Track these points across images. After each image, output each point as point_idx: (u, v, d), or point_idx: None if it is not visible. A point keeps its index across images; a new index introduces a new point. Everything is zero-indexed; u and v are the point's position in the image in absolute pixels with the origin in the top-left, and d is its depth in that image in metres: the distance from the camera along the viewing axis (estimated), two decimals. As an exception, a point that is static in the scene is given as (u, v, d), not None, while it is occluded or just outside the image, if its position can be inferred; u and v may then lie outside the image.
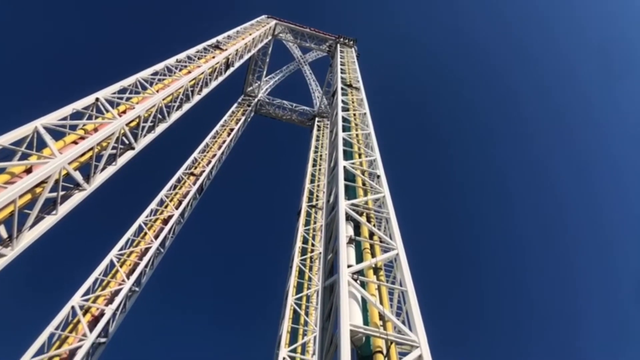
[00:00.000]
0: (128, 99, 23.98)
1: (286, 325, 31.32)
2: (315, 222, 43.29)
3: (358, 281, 14.03)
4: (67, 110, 20.45)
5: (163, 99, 26.31)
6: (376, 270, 15.45)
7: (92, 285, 28.79)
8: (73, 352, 24.57)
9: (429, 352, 11.69)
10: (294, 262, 37.60)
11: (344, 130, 25.99)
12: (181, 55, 31.55)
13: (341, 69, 40.53)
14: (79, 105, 21.11)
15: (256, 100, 60.95)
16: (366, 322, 13.03)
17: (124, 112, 22.99)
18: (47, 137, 18.39)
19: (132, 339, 70.48)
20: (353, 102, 32.14)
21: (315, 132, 58.93)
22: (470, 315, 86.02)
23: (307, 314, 33.12)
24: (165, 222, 35.65)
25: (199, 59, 33.22)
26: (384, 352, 12.01)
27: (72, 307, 26.78)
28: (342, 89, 33.84)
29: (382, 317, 13.16)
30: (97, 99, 22.04)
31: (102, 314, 27.18)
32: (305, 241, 40.68)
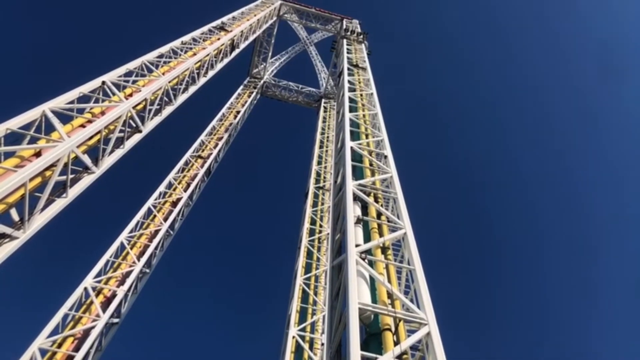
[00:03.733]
0: (134, 82, 23.97)
1: (295, 304, 31.68)
2: (322, 204, 43.41)
3: (366, 260, 14.10)
4: (74, 93, 20.50)
5: (169, 82, 26.26)
6: (384, 249, 15.51)
7: (104, 267, 29.24)
8: (87, 332, 25.09)
9: (437, 329, 11.79)
10: (302, 243, 37.84)
11: (350, 111, 25.84)
12: (186, 37, 31.36)
13: (347, 49, 40.11)
14: (85, 88, 21.14)
15: (262, 82, 60.64)
16: (374, 300, 13.14)
17: (131, 95, 23.01)
18: (55, 121, 18.49)
19: (144, 319, 71.66)
20: (360, 83, 31.90)
21: (321, 113, 58.67)
22: (477, 295, 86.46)
23: (315, 293, 33.45)
24: (174, 204, 35.93)
25: (204, 40, 33.00)
26: (393, 329, 12.13)
27: (85, 289, 27.25)
28: (348, 69, 33.55)
29: (390, 295, 13.25)
30: (103, 82, 22.05)
31: (114, 295, 27.65)
32: (313, 222, 40.87)
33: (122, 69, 23.89)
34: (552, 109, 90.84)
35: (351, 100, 27.87)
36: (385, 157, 21.26)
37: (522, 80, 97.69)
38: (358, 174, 19.94)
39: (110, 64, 23.72)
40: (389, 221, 16.46)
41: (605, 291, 70.44)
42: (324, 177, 47.29)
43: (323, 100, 61.13)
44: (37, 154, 17.00)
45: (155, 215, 34.37)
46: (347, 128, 23.08)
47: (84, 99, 20.88)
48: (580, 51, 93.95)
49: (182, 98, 28.79)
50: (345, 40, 41.89)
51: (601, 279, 72.84)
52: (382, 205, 17.63)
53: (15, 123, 17.24)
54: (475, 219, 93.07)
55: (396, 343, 11.59)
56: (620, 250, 72.90)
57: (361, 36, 41.63)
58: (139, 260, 30.27)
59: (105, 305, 26.89)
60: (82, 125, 19.51)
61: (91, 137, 19.75)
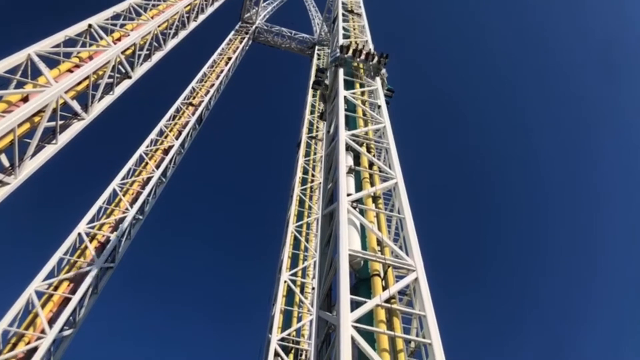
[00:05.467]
0: (122, 25, 23.27)
1: (287, 251, 32.37)
2: (315, 153, 43.46)
3: (357, 209, 14.34)
4: (60, 37, 19.92)
5: (158, 26, 25.54)
6: (375, 198, 15.72)
7: (97, 213, 29.46)
8: (82, 276, 25.62)
9: (424, 275, 12.17)
10: (295, 191, 38.17)
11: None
12: (175, -22, 30.11)
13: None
14: (71, 31, 20.53)
15: (254, 27, 58.96)
16: (364, 247, 13.45)
17: (119, 39, 22.41)
18: (42, 65, 18.08)
19: (138, 264, 73.04)
20: (354, 29, 31.07)
21: (315, 61, 57.48)
22: (466, 245, 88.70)
23: (307, 240, 34.12)
24: (166, 152, 35.82)
25: (193, -18, 31.75)
26: (381, 275, 12.53)
27: (79, 234, 27.57)
28: (342, 15, 32.57)
29: (380, 242, 13.58)
30: (90, 26, 21.40)
31: (108, 241, 28.04)
32: (305, 172, 41.06)
33: (109, 12, 23.11)
34: (552, 109, 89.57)
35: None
36: (379, 107, 21.12)
37: (522, 78, 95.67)
38: (351, 124, 19.87)
39: (97, 6, 22.92)
40: (380, 171, 16.57)
41: (605, 291, 72.31)
42: (317, 127, 47.05)
43: (317, 47, 59.74)
44: (25, 99, 16.73)
45: (147, 163, 34.31)
46: (341, 77, 22.76)
47: (70, 42, 20.32)
48: (582, 49, 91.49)
49: (172, 43, 28.08)
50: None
51: (602, 278, 74.60)
52: (374, 156, 17.69)
53: (0, 67, 16.82)
54: (467, 170, 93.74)
55: (385, 288, 11.99)
56: (621, 250, 74.22)
57: (376, 58, 23.35)
58: (131, 207, 30.49)
59: (99, 251, 27.32)
60: (70, 70, 19.10)
61: (79, 83, 19.39)
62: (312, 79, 53.92)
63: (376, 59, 22.91)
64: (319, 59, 57.95)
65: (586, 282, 76.93)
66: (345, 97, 20.85)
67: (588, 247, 79.04)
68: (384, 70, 22.92)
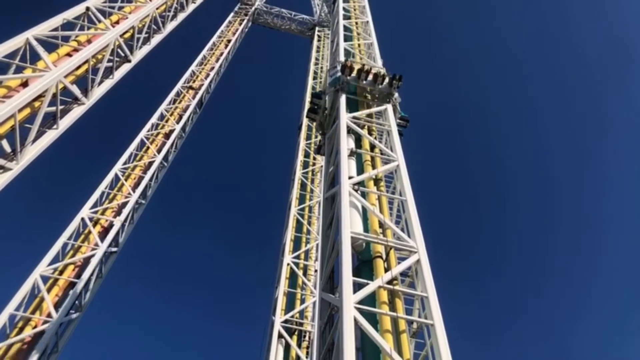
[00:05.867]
0: (120, 8, 23.02)
1: (290, 234, 32.51)
2: (316, 136, 43.26)
3: (359, 192, 14.37)
4: (58, 20, 19.73)
5: (157, 8, 25.29)
6: (377, 181, 15.73)
7: (99, 198, 29.56)
8: (87, 260, 25.83)
9: (426, 256, 12.23)
10: (296, 175, 38.17)
11: (345, 40, 25.13)
12: (173, -41, 29.68)
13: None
14: (69, 15, 20.33)
15: (253, 8, 58.27)
16: (366, 229, 13.51)
17: (117, 22, 22.21)
18: (40, 49, 17.96)
19: (142, 249, 73.55)
20: (355, 10, 30.70)
21: (315, 42, 56.94)
22: (469, 227, 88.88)
23: (309, 223, 34.25)
24: (167, 136, 35.78)
25: (191, -37, 31.32)
26: (383, 257, 12.60)
27: (82, 219, 27.71)
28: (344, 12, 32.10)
29: (381, 225, 13.63)
30: (87, 8, 21.18)
31: (111, 225, 28.21)
32: (306, 155, 40.99)
33: (106, -6, 22.83)
34: (553, 108, 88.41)
35: (346, 28, 27.00)
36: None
37: (521, 77, 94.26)
38: (352, 106, 19.76)
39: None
40: (382, 154, 16.53)
41: (605, 291, 72.39)
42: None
43: (317, 29, 59.11)
44: (24, 84, 16.66)
45: (148, 147, 34.30)
46: (342, 58, 22.55)
47: (68, 26, 20.13)
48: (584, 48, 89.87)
49: (171, 26, 27.82)
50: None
51: (601, 278, 74.58)
52: (375, 138, 17.62)
53: (-1, 52, 16.72)
54: (470, 157, 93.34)
55: (387, 270, 12.06)
56: (622, 251, 74.01)
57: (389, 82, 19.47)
58: (134, 191, 30.59)
59: (103, 235, 27.50)
60: (69, 54, 18.98)
61: (79, 67, 19.28)
62: (312, 61, 53.66)
63: (387, 80, 18.79)
64: (319, 40, 57.39)
65: (594, 261, 77.15)
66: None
67: (592, 234, 79.19)
68: (396, 95, 18.96)
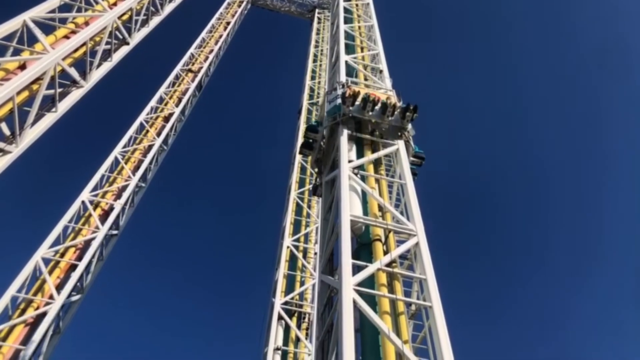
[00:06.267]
0: (118, -11, 22.71)
1: (289, 217, 32.63)
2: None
3: (359, 175, 14.40)
4: (55, 2, 19.55)
5: (154, -11, 24.96)
6: (376, 165, 15.73)
7: (100, 181, 29.59)
8: (88, 243, 25.97)
9: (425, 239, 12.33)
10: (296, 159, 38.12)
11: (345, 23, 24.91)
12: (170, -61, 29.25)
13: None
14: (66, -4, 20.10)
15: (253, -10, 57.56)
16: (366, 213, 13.58)
17: (115, 4, 21.98)
18: (38, 32, 17.81)
19: (142, 231, 73.89)
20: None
21: (315, 25, 56.35)
22: (467, 210, 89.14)
23: (309, 206, 34.34)
24: (166, 119, 35.67)
25: (189, -57, 30.86)
26: (383, 240, 12.69)
27: (83, 202, 27.78)
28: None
29: (381, 208, 13.69)
30: (85, -11, 20.92)
31: (111, 209, 28.29)
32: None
33: (103, -25, 22.53)
34: (554, 107, 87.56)
35: (346, 10, 26.75)
36: (381, 71, 20.82)
37: (520, 76, 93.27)
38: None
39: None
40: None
41: (605, 291, 72.56)
42: (318, 93, 46.54)
43: (317, 11, 58.44)
44: (22, 67, 16.56)
45: (147, 131, 34.21)
46: (342, 41, 22.38)
47: (65, 7, 19.94)
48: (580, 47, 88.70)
49: (169, 8, 27.53)
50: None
51: (602, 278, 74.73)
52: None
53: (-5, 34, 16.59)
54: (470, 146, 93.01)
55: (386, 252, 12.16)
56: (622, 251, 74.00)
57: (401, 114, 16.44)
58: (134, 174, 30.61)
59: (103, 218, 27.60)
60: (66, 37, 18.84)
61: (77, 49, 19.15)
62: (313, 44, 53.18)
63: (398, 112, 15.67)
64: (319, 22, 56.79)
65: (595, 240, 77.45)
66: (346, 61, 20.44)
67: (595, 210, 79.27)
68: (410, 127, 15.96)
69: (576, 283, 76.21)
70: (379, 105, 15.70)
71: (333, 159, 15.37)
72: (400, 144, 15.43)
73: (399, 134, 15.86)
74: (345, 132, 15.18)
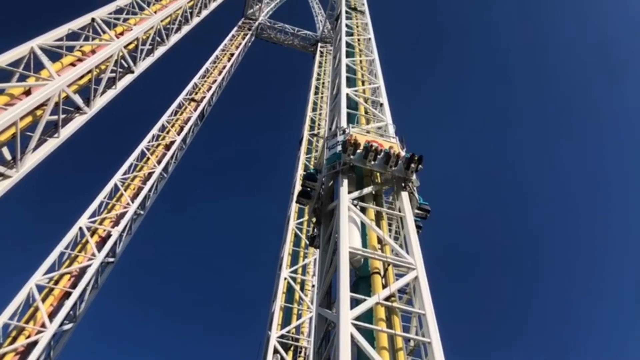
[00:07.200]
0: (125, 20, 23.24)
1: (287, 248, 32.38)
2: (316, 151, 43.37)
3: (358, 207, 14.33)
4: (63, 30, 19.91)
5: (161, 21, 25.50)
6: (376, 197, 15.69)
7: (98, 208, 29.48)
8: (83, 270, 25.65)
9: (424, 273, 12.18)
10: (295, 188, 38.12)
11: (347, 56, 25.36)
12: (178, -26, 30.07)
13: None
14: (74, 25, 20.52)
15: (257, 23, 58.84)
16: (365, 245, 13.45)
17: (122, 33, 22.40)
18: (44, 59, 18.07)
19: (139, 259, 73.18)
20: (357, 27, 31.06)
21: (317, 58, 57.41)
22: (467, 243, 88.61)
23: (307, 237, 34.12)
24: (168, 147, 35.83)
25: (197, -23, 31.70)
26: (381, 273, 12.52)
27: (80, 229, 27.59)
28: (346, 12, 32.54)
29: (380, 240, 13.58)
30: (93, 19, 21.39)
31: (109, 236, 28.05)
32: (306, 169, 41.02)
33: (112, 6, 23.08)
34: (554, 106, 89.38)
35: (348, 45, 27.27)
36: (381, 105, 21.06)
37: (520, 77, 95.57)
38: (353, 121, 19.80)
39: (100, 1, 22.93)
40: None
41: (605, 291, 72.19)
42: (319, 124, 47.00)
43: (319, 45, 59.63)
44: (27, 93, 16.73)
45: (148, 158, 34.31)
46: (344, 74, 22.73)
47: (73, 36, 20.32)
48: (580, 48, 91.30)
49: (174, 38, 28.04)
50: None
51: (602, 278, 74.49)
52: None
53: (3, 60, 16.84)
54: (470, 178, 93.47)
55: (384, 286, 11.98)
56: (622, 250, 74.05)
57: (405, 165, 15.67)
58: (133, 202, 30.50)
59: (100, 245, 27.33)
60: (72, 64, 19.09)
61: (82, 77, 19.38)
62: (314, 76, 54.02)
63: (402, 162, 14.99)
64: (321, 55, 57.85)
65: (586, 283, 76.91)
66: (347, 94, 20.65)
67: (587, 248, 79.03)
68: (414, 178, 15.23)
69: (574, 320, 75.16)
70: (382, 154, 15.06)
71: (331, 210, 14.73)
72: (403, 195, 14.75)
73: (403, 185, 15.16)
74: (346, 182, 14.46)
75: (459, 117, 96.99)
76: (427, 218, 15.47)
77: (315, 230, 16.03)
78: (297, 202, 17.25)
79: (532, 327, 73.37)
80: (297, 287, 30.28)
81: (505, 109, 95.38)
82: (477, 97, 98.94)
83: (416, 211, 15.15)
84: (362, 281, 12.77)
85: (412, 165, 14.98)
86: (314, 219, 16.33)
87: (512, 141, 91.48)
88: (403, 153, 15.40)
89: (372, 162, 15.04)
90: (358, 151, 15.01)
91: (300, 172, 40.19)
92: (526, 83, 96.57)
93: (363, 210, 14.41)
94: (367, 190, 15.06)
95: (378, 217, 14.73)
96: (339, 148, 15.18)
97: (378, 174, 15.44)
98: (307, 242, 30.72)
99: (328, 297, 13.25)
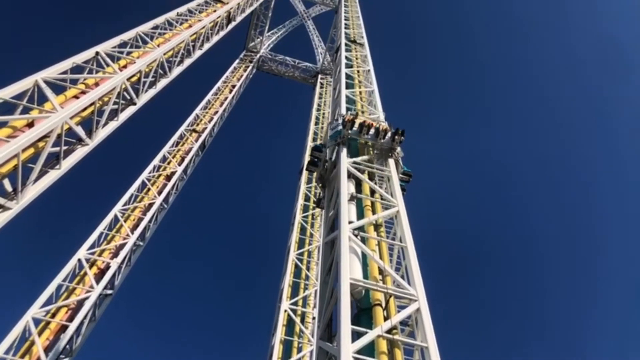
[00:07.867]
0: (129, 53, 23.65)
1: (288, 279, 32.04)
2: (316, 188, 43.43)
3: (359, 237, 14.23)
4: (67, 64, 20.24)
5: (164, 54, 25.94)
6: (377, 227, 15.62)
7: (97, 239, 29.34)
8: (81, 303, 25.32)
9: (426, 305, 11.98)
10: (296, 219, 38.03)
11: (347, 88, 25.67)
12: (182, 9, 30.83)
13: (345, 24, 39.55)
14: (79, 59, 20.87)
15: (258, 56, 59.93)
16: (366, 276, 13.28)
17: (125, 66, 22.74)
18: (48, 91, 18.29)
19: (138, 292, 72.31)
20: (357, 59, 31.58)
21: (317, 89, 58.26)
22: (469, 274, 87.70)
23: (308, 268, 33.83)
24: (168, 178, 35.93)
25: (200, 12, 32.47)
26: (383, 305, 12.33)
27: (79, 260, 27.39)
28: (345, 45, 33.16)
29: (381, 271, 13.42)
30: (97, 53, 21.77)
31: (107, 267, 27.83)
32: (307, 199, 41.02)
33: (116, 40, 23.53)
34: (554, 106, 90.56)
35: (348, 76, 27.66)
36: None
37: (519, 76, 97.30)
38: (353, 151, 19.91)
39: (104, 35, 23.38)
40: (382, 199, 16.51)
41: (605, 291, 71.44)
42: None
43: (320, 76, 60.61)
44: (30, 125, 16.87)
45: (149, 189, 34.35)
46: (343, 105, 22.96)
47: (77, 69, 20.63)
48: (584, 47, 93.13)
49: (177, 71, 28.47)
50: (343, 14, 40.44)
51: (602, 278, 73.85)
52: (375, 183, 17.66)
53: (7, 93, 17.04)
54: (472, 214, 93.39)
55: (386, 318, 11.78)
56: (622, 250, 73.66)
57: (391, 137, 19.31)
58: (132, 233, 30.38)
59: (98, 277, 27.08)
60: (76, 97, 19.32)
61: (85, 109, 19.59)
62: (315, 107, 54.62)
63: (389, 135, 18.74)
64: (321, 87, 58.69)
65: (586, 283, 75.79)
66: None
67: (587, 248, 78.19)
68: (398, 149, 18.83)
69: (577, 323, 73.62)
70: (373, 129, 18.73)
71: (334, 189, 17.37)
72: (390, 161, 18.05)
73: (390, 154, 18.53)
74: (345, 150, 17.73)
75: (459, 117, 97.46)
76: (410, 182, 18.74)
77: (321, 193, 19.66)
78: (306, 169, 22.18)
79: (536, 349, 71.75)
80: (298, 320, 29.82)
81: (505, 109, 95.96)
82: (477, 97, 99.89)
83: (400, 176, 18.24)
84: (363, 313, 12.55)
85: (397, 137, 18.66)
86: (320, 185, 19.77)
87: (512, 141, 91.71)
88: (390, 129, 18.93)
89: (366, 136, 18.71)
90: (354, 128, 18.63)
91: (300, 202, 40.18)
92: (526, 83, 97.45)
93: (364, 240, 14.32)
94: (367, 220, 15.03)
95: (379, 246, 14.65)
96: (340, 127, 18.71)
97: (371, 146, 18.80)
98: (314, 205, 36.14)
99: (329, 330, 13.01)
